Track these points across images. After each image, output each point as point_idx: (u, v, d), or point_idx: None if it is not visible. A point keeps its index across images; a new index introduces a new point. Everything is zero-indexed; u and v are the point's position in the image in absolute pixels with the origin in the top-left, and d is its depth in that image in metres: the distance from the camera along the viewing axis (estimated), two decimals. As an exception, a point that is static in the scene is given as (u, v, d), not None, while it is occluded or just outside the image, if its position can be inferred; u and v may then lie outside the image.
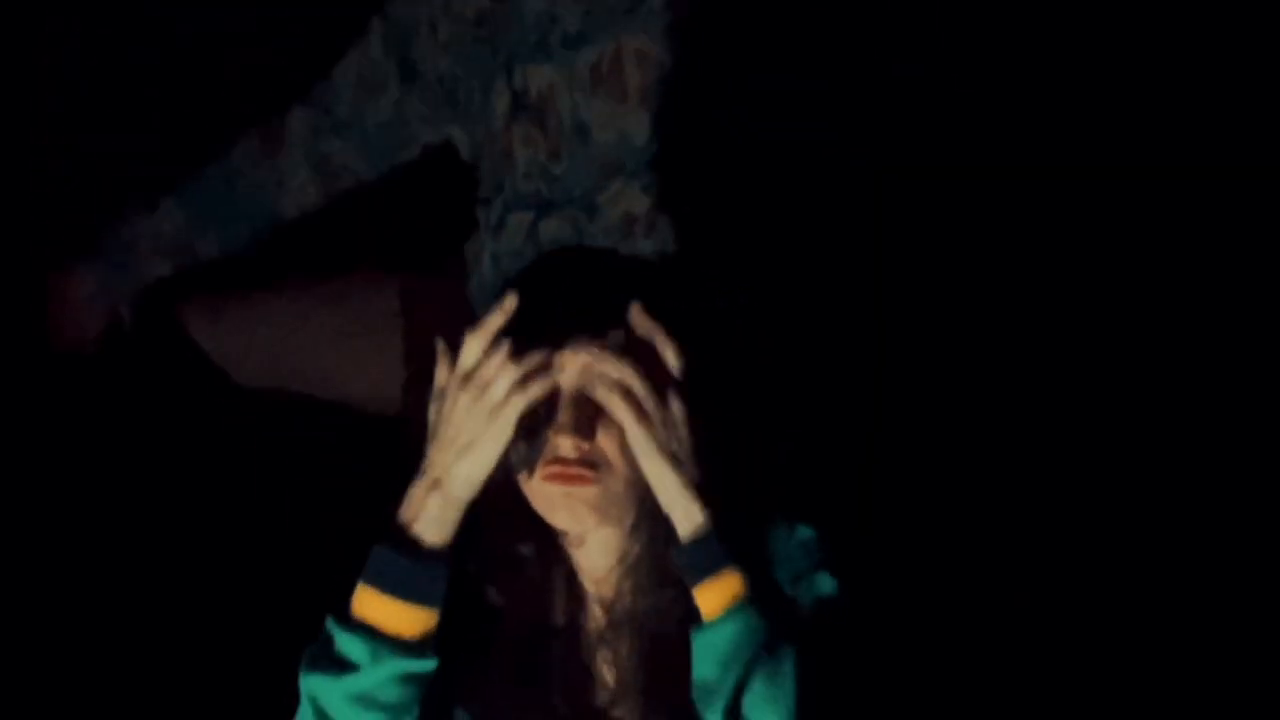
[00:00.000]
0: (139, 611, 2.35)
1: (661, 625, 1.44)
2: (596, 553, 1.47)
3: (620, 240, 2.02)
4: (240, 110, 2.58)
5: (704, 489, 1.38)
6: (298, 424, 2.28)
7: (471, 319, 2.10)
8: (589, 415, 1.39)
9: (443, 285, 2.17)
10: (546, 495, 1.41)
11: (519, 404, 1.37)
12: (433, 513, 1.38)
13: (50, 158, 2.52)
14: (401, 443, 2.21)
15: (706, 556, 1.36)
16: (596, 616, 1.48)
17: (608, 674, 1.47)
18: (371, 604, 1.36)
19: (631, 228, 2.03)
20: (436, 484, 1.38)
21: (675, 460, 1.37)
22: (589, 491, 1.39)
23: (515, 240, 2.07)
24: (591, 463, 1.39)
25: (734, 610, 1.35)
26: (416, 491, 1.39)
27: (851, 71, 2.54)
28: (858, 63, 2.54)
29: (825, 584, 1.43)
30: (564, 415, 1.39)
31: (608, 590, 1.48)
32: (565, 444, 1.38)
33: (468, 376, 1.38)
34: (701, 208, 2.05)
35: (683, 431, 1.38)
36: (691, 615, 1.39)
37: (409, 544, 1.38)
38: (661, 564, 1.44)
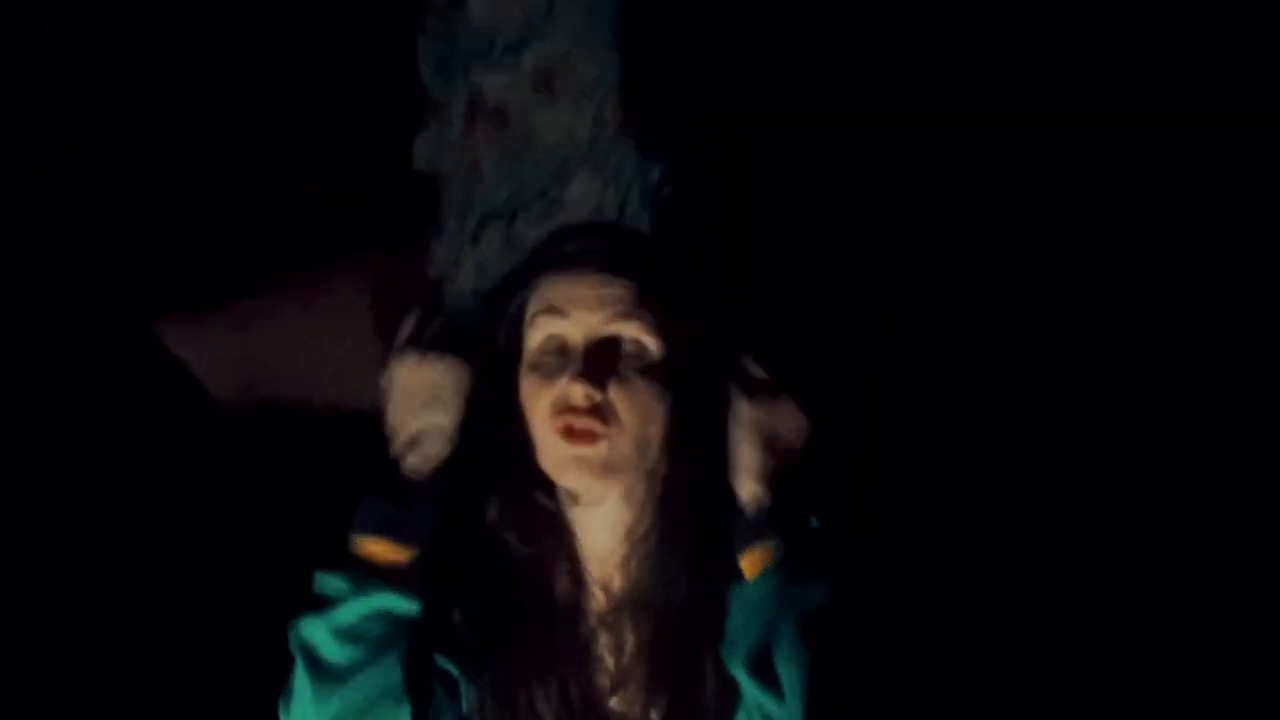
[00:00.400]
0: (133, 614, 2.34)
1: (665, 612, 1.44)
2: (601, 530, 1.46)
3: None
4: (240, 110, 2.59)
5: (778, 474, 1.39)
6: (291, 426, 2.28)
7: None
8: (602, 366, 1.40)
9: (410, 273, 2.21)
10: (556, 454, 1.41)
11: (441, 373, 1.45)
12: (411, 462, 1.43)
13: (50, 158, 2.52)
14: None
15: (758, 530, 1.40)
16: (598, 599, 1.48)
17: (609, 659, 1.47)
18: (357, 547, 1.41)
19: (603, 217, 2.08)
20: (410, 442, 1.44)
21: (769, 445, 1.40)
22: (598, 451, 1.39)
23: (494, 247, 2.11)
24: (601, 414, 1.38)
25: (768, 571, 1.37)
26: (395, 446, 1.45)
27: (798, 64, 2.58)
28: (804, 55, 2.58)
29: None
30: (577, 363, 1.40)
31: (610, 572, 1.47)
32: (577, 392, 1.39)
33: (406, 344, 1.48)
34: (666, 189, 2.09)
35: (791, 421, 1.41)
36: (697, 602, 1.40)
37: (391, 490, 1.42)
38: (668, 548, 1.44)
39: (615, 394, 1.40)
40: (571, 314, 1.42)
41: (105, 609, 2.36)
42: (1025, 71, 2.73)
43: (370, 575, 1.38)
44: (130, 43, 2.54)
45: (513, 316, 1.49)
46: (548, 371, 1.43)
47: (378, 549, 1.39)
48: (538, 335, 1.45)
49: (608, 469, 1.41)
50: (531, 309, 1.46)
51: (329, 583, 1.39)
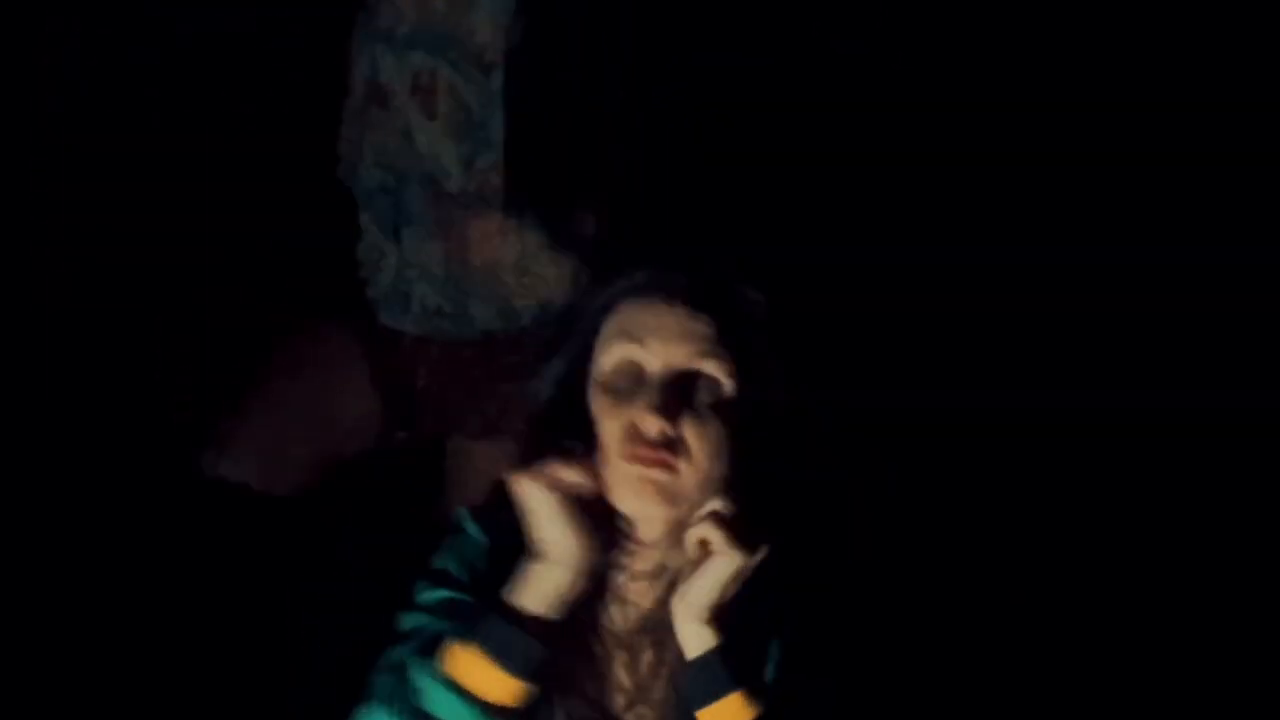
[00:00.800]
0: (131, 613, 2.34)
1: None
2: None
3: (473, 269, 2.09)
4: (240, 110, 2.59)
5: (722, 615, 1.37)
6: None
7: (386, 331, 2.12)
8: (676, 398, 1.37)
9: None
10: (622, 472, 1.38)
11: (560, 478, 1.38)
12: (534, 583, 1.38)
13: (50, 158, 2.52)
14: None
15: (711, 681, 1.36)
16: (615, 618, 1.46)
17: (625, 678, 1.45)
18: (468, 664, 1.36)
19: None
20: (542, 556, 1.38)
21: (725, 592, 1.37)
22: (665, 477, 1.37)
23: (419, 253, 2.12)
24: (673, 448, 1.37)
25: None
26: (528, 565, 1.39)
27: (795, 48, 2.59)
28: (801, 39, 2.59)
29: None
30: (651, 395, 1.37)
31: (634, 594, 1.45)
32: (650, 424, 1.36)
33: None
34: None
35: (739, 579, 1.37)
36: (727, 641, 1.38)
37: (515, 614, 1.37)
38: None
39: (688, 429, 1.37)
40: (650, 344, 1.39)
41: (104, 610, 2.37)
42: (1021, 57, 2.74)
43: (477, 704, 1.35)
44: (130, 43, 2.54)
45: (585, 334, 1.45)
46: (620, 396, 1.39)
47: (490, 679, 1.35)
48: (611, 358, 1.41)
49: (671, 497, 1.37)
50: (608, 330, 1.42)
51: (435, 696, 1.36)
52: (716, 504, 1.36)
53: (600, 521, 1.40)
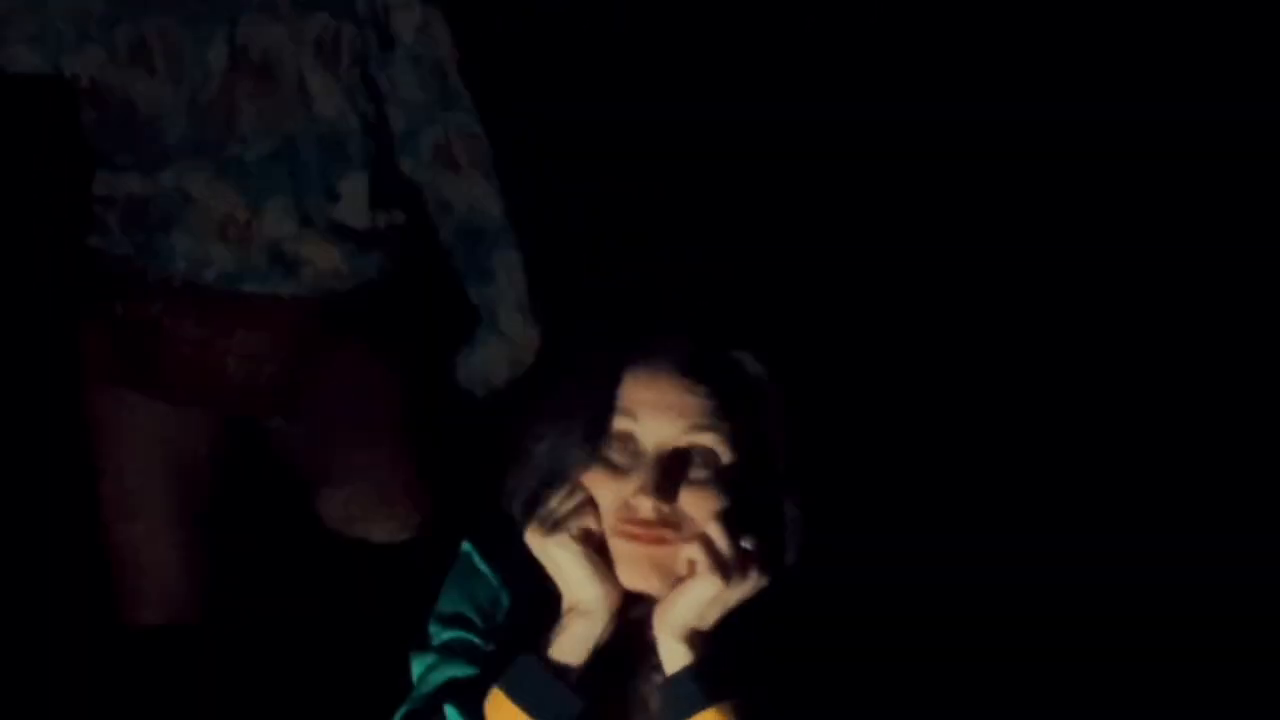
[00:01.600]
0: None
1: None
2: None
3: (367, 225, 2.11)
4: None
5: (702, 636, 1.37)
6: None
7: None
8: (672, 476, 1.36)
9: None
10: (620, 549, 1.37)
11: (570, 524, 1.37)
12: (569, 635, 1.37)
13: (50, 158, 2.53)
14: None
15: (685, 697, 1.36)
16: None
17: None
18: (504, 713, 1.36)
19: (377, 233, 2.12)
20: (573, 607, 1.38)
21: (696, 627, 1.36)
22: (662, 551, 1.37)
23: (320, 213, 2.11)
24: (671, 524, 1.36)
25: None
26: (562, 617, 1.39)
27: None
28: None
29: None
30: (646, 474, 1.36)
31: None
32: (645, 505, 1.35)
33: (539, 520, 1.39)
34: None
35: (727, 604, 1.37)
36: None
37: (552, 666, 1.37)
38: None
39: (685, 503, 1.36)
40: (644, 419, 1.37)
41: (100, 605, 2.39)
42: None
43: None
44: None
45: (587, 400, 1.42)
46: (615, 470, 1.38)
47: None
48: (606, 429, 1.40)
49: (667, 571, 1.37)
50: (605, 397, 1.40)
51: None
52: (712, 529, 1.35)
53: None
